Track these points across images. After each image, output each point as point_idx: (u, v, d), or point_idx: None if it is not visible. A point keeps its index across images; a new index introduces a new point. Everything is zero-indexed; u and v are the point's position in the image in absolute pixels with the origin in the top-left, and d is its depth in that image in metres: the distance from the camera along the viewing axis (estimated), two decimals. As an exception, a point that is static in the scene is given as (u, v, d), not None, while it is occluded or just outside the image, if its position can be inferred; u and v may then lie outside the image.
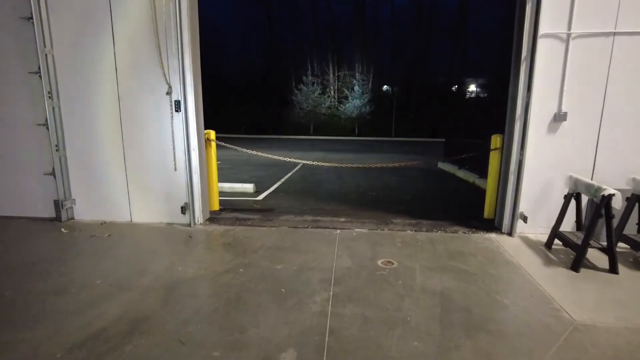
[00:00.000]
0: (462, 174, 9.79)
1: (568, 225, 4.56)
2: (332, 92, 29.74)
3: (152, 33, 4.76)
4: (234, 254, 4.24)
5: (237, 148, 6.34)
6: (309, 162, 6.62)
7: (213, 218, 5.57)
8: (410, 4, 31.73)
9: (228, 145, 6.28)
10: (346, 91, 27.92)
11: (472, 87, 34.41)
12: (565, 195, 4.40)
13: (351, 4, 30.98)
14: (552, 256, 4.26)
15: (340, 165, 6.50)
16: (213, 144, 5.77)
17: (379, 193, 7.75)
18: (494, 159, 5.43)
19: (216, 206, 6.00)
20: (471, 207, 6.33)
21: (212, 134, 5.76)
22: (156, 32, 4.76)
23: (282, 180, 9.35)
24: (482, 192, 7.52)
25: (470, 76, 31.81)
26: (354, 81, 27.84)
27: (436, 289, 3.46)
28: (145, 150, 5.15)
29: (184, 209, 5.16)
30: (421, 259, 4.12)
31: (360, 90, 27.61)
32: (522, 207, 4.80)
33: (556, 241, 4.43)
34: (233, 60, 30.49)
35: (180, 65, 4.75)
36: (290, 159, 6.38)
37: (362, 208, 6.38)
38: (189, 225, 5.20)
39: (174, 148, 5.08)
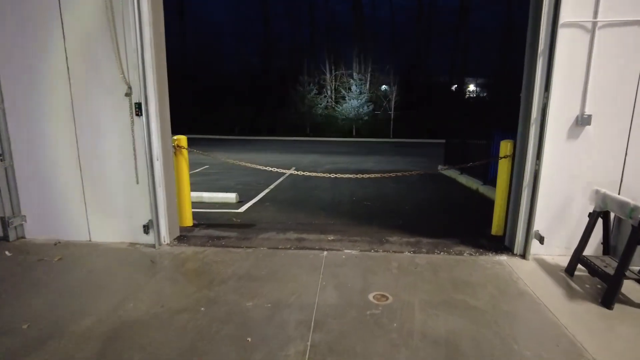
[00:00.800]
0: (464, 179, 9.12)
1: (591, 246, 3.89)
2: (328, 92, 29.05)
3: (108, 22, 4.08)
4: (199, 284, 3.57)
5: (214, 156, 5.63)
6: (296, 173, 5.93)
7: (183, 236, 4.89)
8: (409, 1, 31.09)
9: (202, 153, 5.58)
10: (343, 91, 27.21)
11: (473, 86, 33.79)
12: (590, 214, 3.73)
13: (349, 1, 30.35)
14: (575, 286, 3.59)
15: (334, 175, 5.81)
16: (184, 152, 5.09)
17: (374, 203, 7.07)
18: (503, 168, 4.76)
19: (189, 221, 5.32)
20: (477, 221, 5.66)
21: (183, 140, 5.08)
22: (111, 21, 4.08)
23: (272, 186, 8.69)
24: (487, 202, 6.87)
25: (471, 75, 31.18)
26: (351, 81, 27.15)
27: (439, 333, 2.79)
28: (104, 159, 4.47)
29: (147, 228, 4.48)
30: (421, 291, 3.45)
31: (358, 90, 26.93)
32: (538, 225, 4.13)
33: (579, 266, 3.75)
34: (227, 60, 29.81)
35: (139, 60, 4.07)
36: (273, 170, 5.68)
37: (355, 222, 5.71)
38: (154, 246, 4.51)
39: (135, 158, 4.40)
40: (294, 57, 30.21)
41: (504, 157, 4.71)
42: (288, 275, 3.76)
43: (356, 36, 28.95)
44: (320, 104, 27.06)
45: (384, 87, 28.99)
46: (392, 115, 27.30)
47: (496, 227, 4.95)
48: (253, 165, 5.55)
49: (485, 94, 33.68)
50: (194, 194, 6.97)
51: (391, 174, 5.17)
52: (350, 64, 28.85)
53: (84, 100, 4.34)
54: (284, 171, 5.70)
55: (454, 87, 31.90)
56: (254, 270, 3.88)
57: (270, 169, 5.40)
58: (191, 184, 8.29)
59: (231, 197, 6.95)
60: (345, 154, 16.92)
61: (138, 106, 4.25)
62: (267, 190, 8.19)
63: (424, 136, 26.25)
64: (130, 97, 4.27)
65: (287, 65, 29.88)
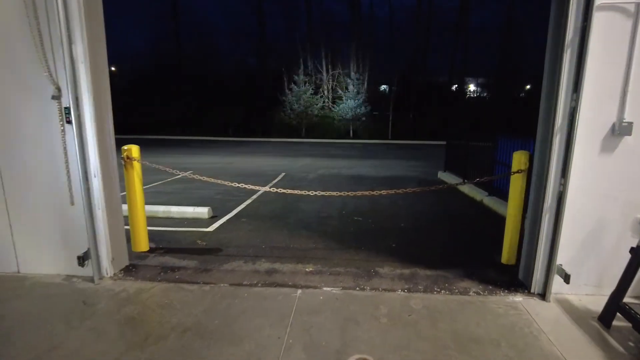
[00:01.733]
0: (467, 189, 8.30)
1: (634, 290, 3.07)
2: (325, 92, 28.21)
3: (26, 6, 3.27)
4: (131, 341, 2.76)
5: (171, 170, 4.82)
6: (274, 190, 5.10)
7: (132, 267, 4.07)
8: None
9: (161, 167, 4.77)
10: (340, 91, 26.36)
11: (473, 87, 32.99)
12: (632, 249, 2.91)
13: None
14: (616, 344, 2.77)
15: (322, 193, 4.97)
16: (136, 165, 4.28)
17: (366, 218, 6.25)
18: (516, 186, 3.95)
19: (144, 245, 4.51)
20: (483, 243, 4.85)
21: (135, 150, 4.27)
22: (33, 7, 3.27)
23: (254, 197, 7.87)
24: (494, 217, 6.07)
25: (471, 75, 30.36)
26: (348, 80, 26.29)
27: None
28: (33, 176, 3.66)
29: (82, 259, 3.66)
30: (415, 352, 2.63)
31: (355, 90, 26.08)
32: (562, 258, 3.32)
33: (618, 314, 2.94)
34: (220, 59, 28.96)
35: (67, 56, 3.25)
36: (242, 186, 4.87)
37: (341, 245, 4.88)
38: (93, 279, 3.70)
39: (68, 174, 3.58)
40: (290, 56, 29.37)
41: (518, 171, 3.90)
42: (247, 327, 2.94)
43: (354, 34, 28.09)
44: (317, 104, 26.20)
45: (383, 86, 28.16)
46: (391, 116, 26.47)
47: (507, 255, 4.13)
48: (217, 181, 4.73)
49: (485, 94, 32.87)
50: (161, 209, 6.18)
51: (389, 191, 4.34)
52: (348, 63, 28.02)
53: (3, 105, 3.52)
54: (257, 188, 4.86)
55: (454, 87, 31.08)
56: (206, 319, 3.06)
57: (238, 185, 4.54)
58: (169, 193, 7.49)
59: (203, 212, 6.13)
60: (341, 157, 16.10)
61: (67, 111, 3.43)
62: (248, 202, 7.38)
63: (424, 137, 25.45)
64: (59, 101, 3.46)
65: (282, 64, 29.03)
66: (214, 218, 6.16)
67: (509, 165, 6.98)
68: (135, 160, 4.26)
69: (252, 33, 30.52)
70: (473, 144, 8.47)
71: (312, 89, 26.24)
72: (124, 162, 4.24)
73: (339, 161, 14.75)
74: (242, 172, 11.42)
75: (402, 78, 27.20)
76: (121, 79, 32.05)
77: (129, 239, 4.36)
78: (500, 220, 5.94)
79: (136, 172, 4.30)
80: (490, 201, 6.93)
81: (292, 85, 25.97)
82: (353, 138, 26.25)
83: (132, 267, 4.07)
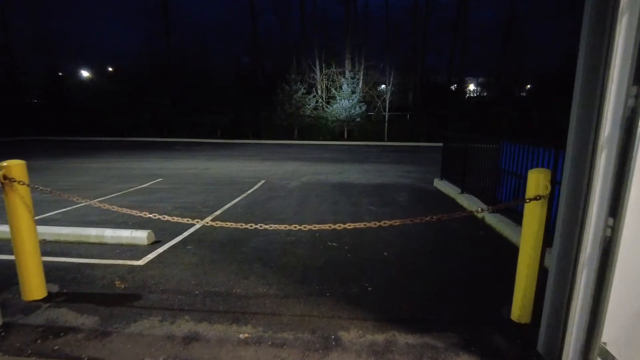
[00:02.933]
0: (465, 201, 7.17)
1: None
2: (319, 92, 27.06)
3: None
4: None
5: (70, 198, 3.66)
6: (211, 224, 4.01)
7: (6, 326, 2.95)
8: (404, -5, 29.16)
9: (45, 190, 3.59)
10: (333, 90, 25.20)
11: (472, 86, 31.90)
12: None
13: (341, -5, 28.34)
14: None
15: (297, 227, 3.86)
16: (19, 188, 3.15)
17: (343, 243, 5.12)
18: (533, 217, 2.84)
19: (38, 292, 3.42)
20: (484, 282, 3.73)
21: (17, 168, 3.15)
22: None
23: (219, 211, 6.77)
24: (498, 241, 4.93)
25: (471, 74, 29.26)
26: (342, 79, 25.13)
27: None
28: None
29: None
30: None
31: (350, 90, 24.92)
32: (608, 335, 2.20)
33: None
34: (210, 57, 27.82)
35: None
36: (173, 219, 3.72)
37: (300, 289, 3.75)
38: None
39: None
40: (282, 54, 28.32)
41: (536, 198, 2.77)
42: None
43: (348, 31, 26.95)
44: (309, 105, 25.05)
45: (382, 86, 27.02)
46: (387, 116, 25.34)
47: (519, 311, 3.02)
48: (129, 212, 3.58)
49: (485, 94, 31.79)
50: (93, 232, 5.05)
51: (379, 224, 3.21)
52: (342, 62, 26.89)
53: None
54: (185, 221, 3.72)
55: (453, 87, 29.97)
56: None
57: (160, 217, 3.42)
58: (132, 202, 6.36)
59: (141, 237, 4.99)
60: (332, 161, 14.97)
61: None
62: (208, 218, 6.24)
63: (421, 139, 24.35)
64: None
65: (274, 62, 27.98)
66: (156, 244, 5.03)
67: (518, 175, 5.90)
68: (17, 181, 3.13)
69: (243, 31, 29.40)
70: (473, 147, 7.33)
71: (304, 88, 25.05)
72: (1, 185, 3.11)
73: (328, 166, 13.62)
74: (216, 180, 10.29)
75: (399, 77, 26.05)
76: (104, 79, 30.98)
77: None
78: (507, 247, 4.84)
79: (19, 196, 3.16)
80: (493, 219, 5.81)
81: (283, 84, 24.79)
82: (347, 140, 25.13)
83: (6, 328, 2.95)
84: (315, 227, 3.05)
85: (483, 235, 5.53)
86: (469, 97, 31.13)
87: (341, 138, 25.21)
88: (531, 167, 5.02)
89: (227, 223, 3.19)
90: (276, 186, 9.49)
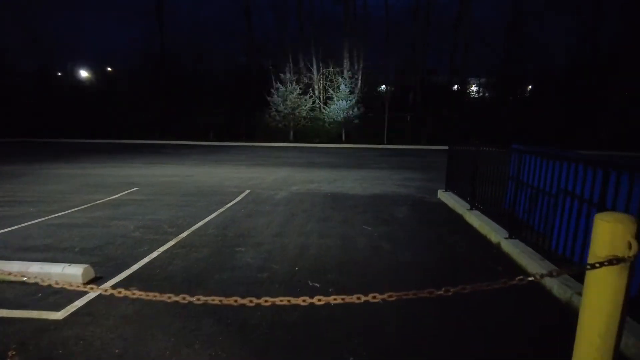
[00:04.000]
0: (476, 220, 6.14)
1: None
2: (315, 92, 26.01)
3: None
4: None
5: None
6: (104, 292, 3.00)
7: None
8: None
9: None
10: (331, 91, 24.13)
11: (475, 87, 30.85)
12: None
13: (339, -7, 27.27)
14: None
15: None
16: None
17: (328, 282, 4.11)
18: (605, 290, 1.80)
19: None
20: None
21: None
22: None
23: (187, 232, 5.76)
24: (530, 291, 3.78)
25: (474, 74, 28.21)
26: (340, 79, 24.06)
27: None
28: None
29: None
30: None
31: (348, 90, 23.85)
32: None
33: None
34: (203, 55, 26.75)
35: None
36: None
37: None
38: None
39: None
40: (278, 53, 27.26)
41: (611, 261, 1.75)
42: None
43: (347, 29, 25.88)
44: (305, 106, 23.98)
45: (382, 87, 25.97)
46: (387, 118, 24.28)
47: None
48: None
49: (487, 94, 30.73)
50: (16, 266, 4.04)
51: (380, 297, 2.20)
52: (340, 61, 25.82)
53: None
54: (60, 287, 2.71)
55: (455, 87, 28.91)
56: None
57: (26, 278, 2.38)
58: (93, 219, 5.40)
59: (75, 273, 3.97)
60: (326, 167, 13.95)
61: None
62: (168, 245, 5.23)
63: (422, 142, 23.31)
64: None
65: (270, 61, 26.96)
66: (94, 281, 4.01)
67: (537, 190, 4.87)
68: None
69: (238, 29, 28.36)
70: (486, 155, 6.31)
71: (299, 88, 23.97)
72: None
73: (322, 172, 12.59)
74: (197, 190, 9.29)
75: (399, 77, 25.00)
76: (95, 79, 29.98)
77: None
78: (537, 289, 3.69)
79: None
80: (513, 248, 4.77)
81: (278, 84, 23.71)
82: (345, 142, 24.08)
83: None
84: (280, 300, 2.03)
85: (502, 269, 4.49)
86: (471, 97, 30.07)
87: (339, 140, 24.17)
88: (561, 185, 4.03)
89: (133, 292, 2.16)
90: (261, 198, 8.48)
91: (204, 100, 24.30)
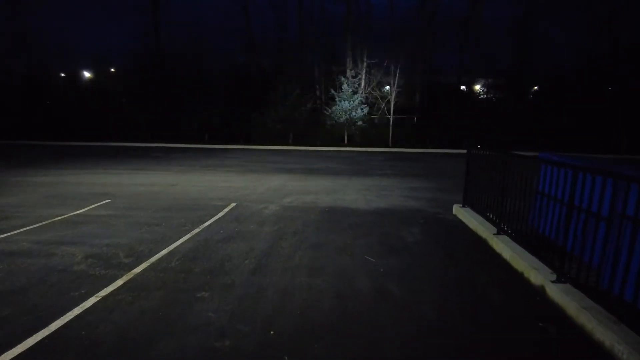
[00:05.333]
0: (507, 251, 4.90)
1: None
2: (316, 92, 24.78)
3: None
4: None
5: None
6: None
7: None
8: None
9: None
10: (332, 91, 22.88)
11: (483, 87, 29.53)
12: None
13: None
14: None
15: None
16: None
17: (316, 354, 2.88)
18: None
19: None
20: None
21: None
22: None
23: (146, 264, 4.57)
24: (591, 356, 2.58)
25: (484, 73, 26.92)
26: (343, 79, 22.82)
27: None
28: None
29: None
30: None
31: (350, 90, 22.61)
32: None
33: None
34: (199, 54, 25.59)
35: None
36: None
37: None
38: None
39: None
40: (277, 52, 26.11)
41: None
42: None
43: (349, 26, 24.63)
44: (305, 106, 22.74)
45: (387, 87, 24.71)
46: (392, 119, 23.02)
47: None
48: None
49: (495, 95, 29.40)
50: None
51: None
52: (343, 59, 24.56)
53: None
54: None
55: (463, 88, 27.61)
56: None
57: None
58: (40, 242, 4.19)
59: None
60: (326, 174, 12.73)
61: None
62: (114, 286, 4.04)
63: (429, 145, 22.04)
64: None
65: (268, 60, 25.82)
66: (-21, 359, 2.81)
67: (588, 213, 3.62)
68: None
69: (236, 26, 27.21)
70: (516, 158, 5.09)
71: (299, 88, 22.74)
72: None
73: (321, 180, 11.37)
74: (175, 203, 8.11)
75: (404, 77, 23.70)
76: (84, 79, 28.94)
77: None
78: None
79: None
80: (566, 299, 3.53)
81: (277, 84, 22.49)
82: (348, 145, 22.84)
83: None
84: None
85: (557, 339, 3.26)
86: (480, 98, 28.74)
87: (341, 143, 22.94)
88: (620, 207, 2.85)
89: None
90: (247, 214, 7.28)
91: (199, 100, 23.10)
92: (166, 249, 5.27)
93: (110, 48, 28.98)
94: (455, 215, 7.20)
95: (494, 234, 5.48)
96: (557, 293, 3.68)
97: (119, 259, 4.88)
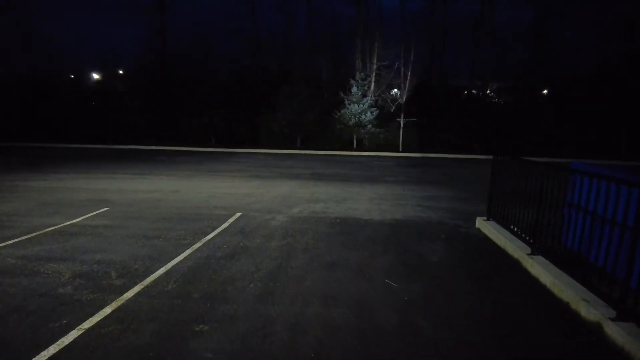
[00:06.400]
0: (546, 276, 4.32)
1: None
2: (325, 95, 24.24)
3: None
4: None
5: None
6: None
7: None
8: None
9: None
10: (341, 93, 22.35)
11: (496, 90, 28.86)
12: None
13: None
14: None
15: None
16: None
17: None
18: None
19: None
20: None
21: None
22: None
23: (139, 287, 4.07)
24: None
25: (497, 76, 26.24)
26: (352, 81, 22.27)
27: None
28: None
29: None
30: None
31: (360, 93, 22.05)
32: None
33: None
34: (205, 56, 25.19)
35: None
36: None
37: None
38: None
39: None
40: (285, 53, 25.68)
41: None
42: None
43: (359, 28, 24.09)
44: (312, 110, 22.19)
45: (394, 90, 24.12)
46: (402, 123, 22.42)
47: None
48: None
49: (506, 98, 28.72)
50: None
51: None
52: (352, 61, 24.00)
53: None
54: None
55: (477, 92, 26.94)
56: None
57: None
58: (24, 258, 3.69)
59: None
60: (336, 179, 12.17)
61: None
62: (101, 315, 3.54)
63: (441, 149, 21.40)
64: None
65: (275, 62, 25.37)
66: None
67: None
68: None
69: (243, 28, 26.80)
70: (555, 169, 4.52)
71: (308, 91, 22.21)
72: None
73: (331, 187, 10.82)
74: (176, 212, 7.62)
75: (415, 80, 23.10)
76: (89, 81, 28.69)
77: None
78: None
79: None
80: (633, 342, 2.94)
81: (284, 86, 21.98)
82: (357, 149, 22.26)
83: None
84: None
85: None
86: (492, 102, 28.04)
87: (350, 147, 22.37)
88: None
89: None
90: (253, 225, 6.75)
91: (205, 103, 22.66)
92: (163, 267, 4.75)
93: (114, 50, 28.64)
94: (479, 230, 6.61)
95: (528, 254, 4.90)
96: (620, 334, 3.09)
97: (109, 280, 4.37)
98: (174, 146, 21.90)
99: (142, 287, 4.20)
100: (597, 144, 21.35)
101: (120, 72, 28.17)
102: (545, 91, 28.25)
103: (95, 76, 28.85)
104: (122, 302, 3.83)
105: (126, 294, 4.03)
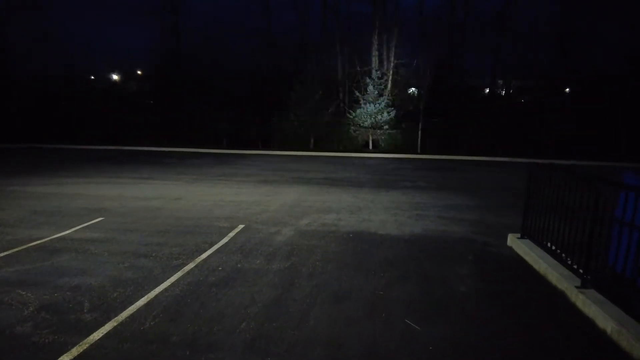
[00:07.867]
0: (605, 319, 3.49)
1: None
2: (340, 95, 23.46)
3: None
4: None
5: None
6: None
7: None
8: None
9: None
10: (357, 93, 21.52)
11: (519, 89, 27.58)
12: None
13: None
14: None
15: None
16: None
17: None
18: None
19: None
20: None
21: None
22: None
23: (118, 319, 3.44)
24: None
25: (521, 74, 25.00)
26: (368, 80, 21.43)
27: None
28: None
29: None
30: None
31: (376, 92, 21.19)
32: None
33: None
34: (217, 55, 24.67)
35: None
36: None
37: None
38: None
39: None
40: (298, 51, 24.96)
41: None
42: None
43: (376, 23, 23.16)
44: (326, 110, 21.44)
45: (412, 89, 23.17)
46: (421, 124, 21.47)
47: None
48: None
49: (534, 98, 27.39)
50: None
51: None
52: (368, 59, 23.12)
53: None
54: None
55: (501, 91, 25.72)
56: None
57: None
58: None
59: None
60: (348, 186, 11.40)
61: None
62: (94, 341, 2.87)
63: (461, 152, 20.39)
64: None
65: (289, 61, 24.70)
66: None
67: None
68: None
69: (255, 25, 26.24)
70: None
71: (321, 90, 21.46)
72: None
73: (343, 194, 10.06)
74: (175, 223, 7.01)
75: (434, 78, 22.10)
76: (100, 82, 28.54)
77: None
78: None
79: None
80: None
81: (297, 85, 21.28)
82: (373, 151, 21.42)
83: None
84: None
85: None
86: (516, 101, 26.77)
87: (365, 149, 21.55)
88: None
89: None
90: (255, 240, 6.06)
91: (217, 104, 22.15)
92: (145, 297, 4.09)
93: (127, 51, 28.46)
94: (512, 249, 5.77)
95: (577, 287, 4.05)
96: None
97: (80, 314, 3.73)
98: (185, 147, 21.47)
99: (115, 324, 3.55)
100: (628, 147, 20.07)
101: (132, 73, 27.93)
102: (567, 89, 26.89)
103: (109, 77, 28.69)
104: (85, 348, 3.17)
105: (93, 334, 3.37)
